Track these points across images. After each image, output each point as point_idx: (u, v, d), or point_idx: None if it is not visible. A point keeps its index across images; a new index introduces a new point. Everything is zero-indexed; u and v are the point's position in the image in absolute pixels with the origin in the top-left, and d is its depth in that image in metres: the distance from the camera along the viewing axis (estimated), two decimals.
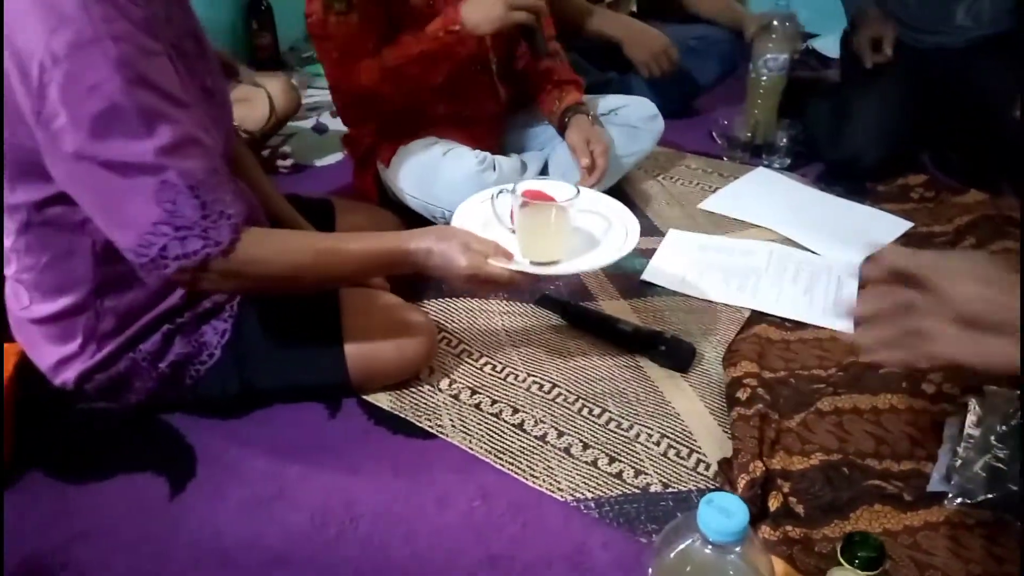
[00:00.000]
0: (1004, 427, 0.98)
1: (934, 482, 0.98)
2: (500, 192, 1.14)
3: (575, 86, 1.58)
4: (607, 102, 1.66)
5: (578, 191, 1.07)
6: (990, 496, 0.92)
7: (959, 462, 0.97)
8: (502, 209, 1.12)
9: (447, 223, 1.30)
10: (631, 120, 1.62)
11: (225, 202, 0.84)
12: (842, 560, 0.71)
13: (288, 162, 1.80)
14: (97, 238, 0.90)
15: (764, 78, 1.78)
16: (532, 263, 1.05)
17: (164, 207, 0.80)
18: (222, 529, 0.93)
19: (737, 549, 0.57)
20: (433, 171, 1.45)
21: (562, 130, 1.54)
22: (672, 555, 0.60)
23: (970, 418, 1.02)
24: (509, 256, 1.03)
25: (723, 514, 0.54)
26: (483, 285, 1.01)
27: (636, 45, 1.89)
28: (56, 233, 0.92)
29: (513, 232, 1.09)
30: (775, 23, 1.76)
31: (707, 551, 0.56)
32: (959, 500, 0.93)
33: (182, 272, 0.84)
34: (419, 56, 1.35)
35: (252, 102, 1.68)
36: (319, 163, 1.88)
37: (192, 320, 1.02)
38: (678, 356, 1.20)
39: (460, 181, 1.40)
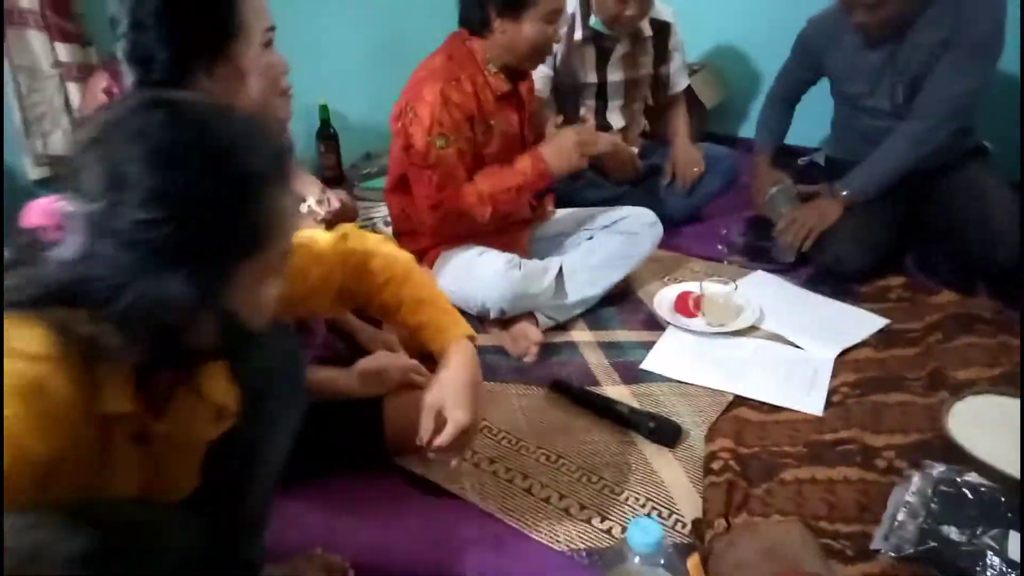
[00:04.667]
0: (935, 496, 1.17)
1: (876, 541, 1.15)
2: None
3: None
4: (612, 214, 1.94)
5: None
6: (916, 550, 1.09)
7: (897, 524, 1.15)
8: None
9: (481, 315, 1.69)
10: (632, 228, 1.90)
11: None
12: None
13: None
14: None
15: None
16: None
17: None
18: None
19: (662, 561, 0.78)
20: (468, 270, 1.71)
21: None
22: (614, 570, 0.81)
23: (911, 488, 1.21)
24: None
25: (644, 533, 0.76)
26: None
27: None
28: None
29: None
30: (779, 196, 2.07)
31: (636, 561, 0.78)
32: (890, 554, 1.11)
33: None
34: (511, 189, 1.68)
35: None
36: None
37: None
38: (666, 434, 1.41)
39: (490, 277, 1.67)
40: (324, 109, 2.66)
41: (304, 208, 1.80)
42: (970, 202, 1.90)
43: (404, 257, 1.15)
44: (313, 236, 1.09)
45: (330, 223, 2.05)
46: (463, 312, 1.71)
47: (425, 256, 1.79)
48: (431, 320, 1.11)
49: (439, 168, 1.63)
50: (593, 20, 2.10)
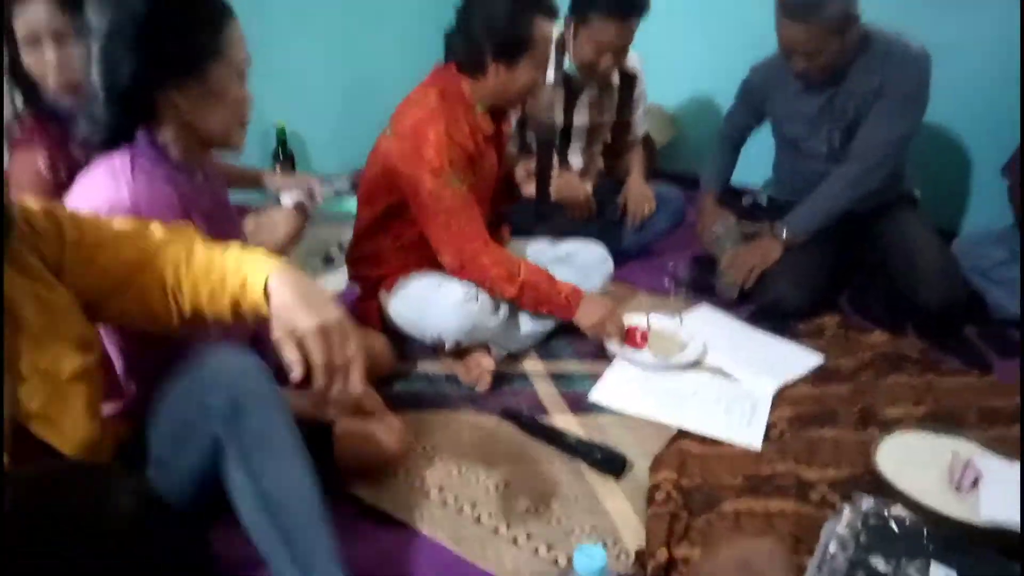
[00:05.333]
0: (864, 528, 1.23)
1: (809, 572, 1.21)
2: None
3: None
4: (565, 247, 1.99)
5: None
6: None
7: (829, 555, 1.21)
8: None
9: (436, 344, 1.68)
10: (584, 261, 1.95)
11: None
12: None
13: None
14: None
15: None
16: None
17: None
18: None
19: None
20: (427, 299, 1.72)
21: None
22: None
23: (842, 521, 1.27)
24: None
25: (589, 559, 0.79)
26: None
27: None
28: None
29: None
30: (723, 234, 2.18)
31: None
32: None
33: None
34: (543, 295, 1.72)
35: (268, 228, 1.98)
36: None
37: None
38: (612, 464, 1.45)
39: (448, 308, 1.68)
40: (282, 131, 2.66)
41: (288, 202, 1.77)
42: (900, 246, 2.02)
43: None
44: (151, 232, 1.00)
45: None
46: (417, 341, 1.76)
47: (383, 282, 1.80)
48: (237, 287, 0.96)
49: (456, 210, 1.63)
50: (567, 64, 2.15)
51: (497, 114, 1.75)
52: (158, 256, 0.97)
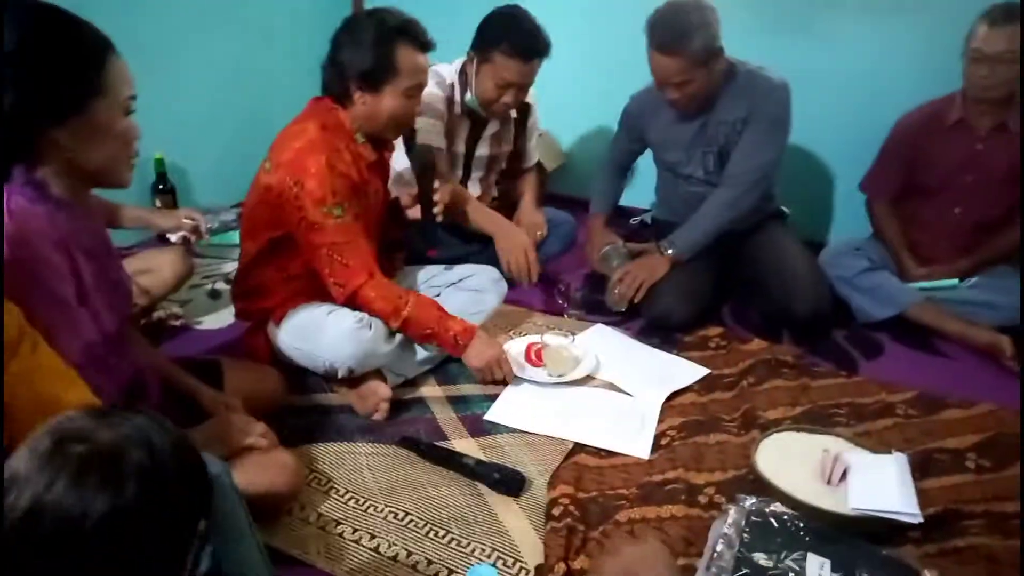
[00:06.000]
0: (747, 526, 1.29)
1: (699, 572, 1.26)
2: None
3: None
4: (459, 271, 2.01)
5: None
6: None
7: (716, 554, 1.26)
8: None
9: (328, 374, 1.66)
10: (478, 285, 1.98)
11: None
12: None
13: (179, 322, 2.03)
14: None
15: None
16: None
17: None
18: None
19: None
20: (318, 328, 1.68)
21: None
22: None
23: (727, 520, 1.33)
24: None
25: None
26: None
27: (505, 240, 2.15)
28: None
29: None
30: (611, 254, 2.26)
31: None
32: None
33: None
34: (428, 329, 1.70)
35: (156, 272, 1.91)
36: (210, 325, 2.11)
37: None
38: (510, 484, 1.47)
39: (340, 336, 1.65)
40: (160, 162, 2.55)
41: (176, 239, 1.83)
42: (772, 260, 2.16)
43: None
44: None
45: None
46: (309, 371, 1.72)
47: (272, 313, 1.76)
48: None
49: (340, 243, 1.61)
50: (469, 98, 2.16)
51: (378, 142, 1.76)
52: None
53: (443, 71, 2.16)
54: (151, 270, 1.92)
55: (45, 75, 1.00)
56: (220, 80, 2.79)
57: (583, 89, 2.97)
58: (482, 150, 2.29)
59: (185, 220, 2.01)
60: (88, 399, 1.00)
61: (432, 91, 2.10)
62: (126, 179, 1.16)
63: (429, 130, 2.13)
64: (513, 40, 2.00)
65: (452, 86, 2.17)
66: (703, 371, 1.91)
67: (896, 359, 2.04)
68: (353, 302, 1.67)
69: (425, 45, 1.67)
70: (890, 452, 1.47)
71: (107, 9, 1.08)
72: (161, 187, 2.59)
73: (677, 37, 1.93)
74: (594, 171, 2.54)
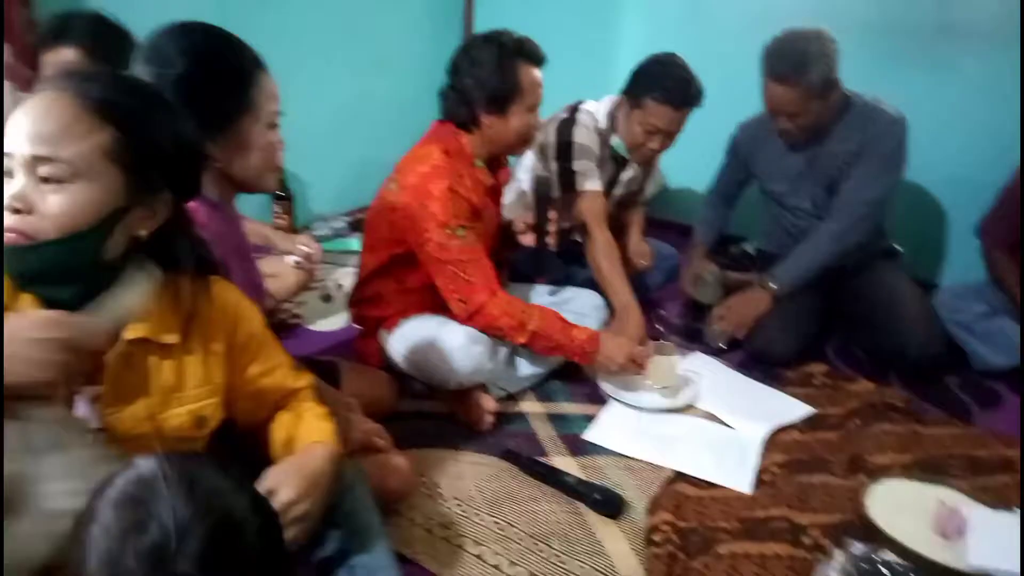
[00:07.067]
0: (855, 572, 1.27)
1: None
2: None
3: None
4: (563, 294, 2.05)
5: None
6: None
7: None
8: None
9: (436, 384, 1.73)
10: (580, 308, 2.00)
11: None
12: None
13: (299, 321, 2.16)
14: None
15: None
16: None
17: None
18: None
19: None
20: (429, 340, 1.73)
21: None
22: None
23: (834, 565, 1.30)
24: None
25: None
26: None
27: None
28: None
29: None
30: (710, 284, 2.28)
31: None
32: None
33: None
34: (554, 341, 1.73)
35: (281, 276, 2.03)
36: (322, 327, 2.22)
37: None
38: (610, 505, 1.48)
39: (452, 351, 1.69)
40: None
41: (291, 260, 1.92)
42: (882, 298, 2.10)
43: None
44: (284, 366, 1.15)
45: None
46: (416, 379, 1.79)
47: (384, 323, 1.83)
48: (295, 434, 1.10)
49: (464, 261, 1.66)
50: (616, 142, 2.18)
51: (493, 165, 1.82)
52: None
53: (594, 110, 2.18)
54: (276, 275, 2.04)
55: (204, 96, 1.10)
56: (338, 101, 2.93)
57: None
58: (618, 190, 2.31)
59: (300, 247, 2.12)
60: (309, 387, 1.18)
61: (588, 132, 2.14)
62: (271, 186, 1.26)
63: (586, 173, 2.15)
64: (666, 87, 2.01)
65: (600, 131, 2.18)
66: (809, 410, 1.87)
67: (1014, 411, 1.94)
68: (476, 319, 1.70)
69: (540, 60, 1.73)
70: (1011, 510, 1.41)
71: (243, 33, 1.18)
72: (280, 194, 2.74)
73: (795, 67, 1.92)
74: (693, 197, 2.53)
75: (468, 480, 1.57)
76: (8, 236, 0.83)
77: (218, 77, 1.11)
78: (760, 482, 1.60)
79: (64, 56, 1.57)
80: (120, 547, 0.68)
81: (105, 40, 1.63)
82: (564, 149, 2.15)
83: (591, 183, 2.14)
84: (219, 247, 1.19)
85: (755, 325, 2.10)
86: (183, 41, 1.12)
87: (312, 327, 2.22)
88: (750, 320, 2.10)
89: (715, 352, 2.16)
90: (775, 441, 1.74)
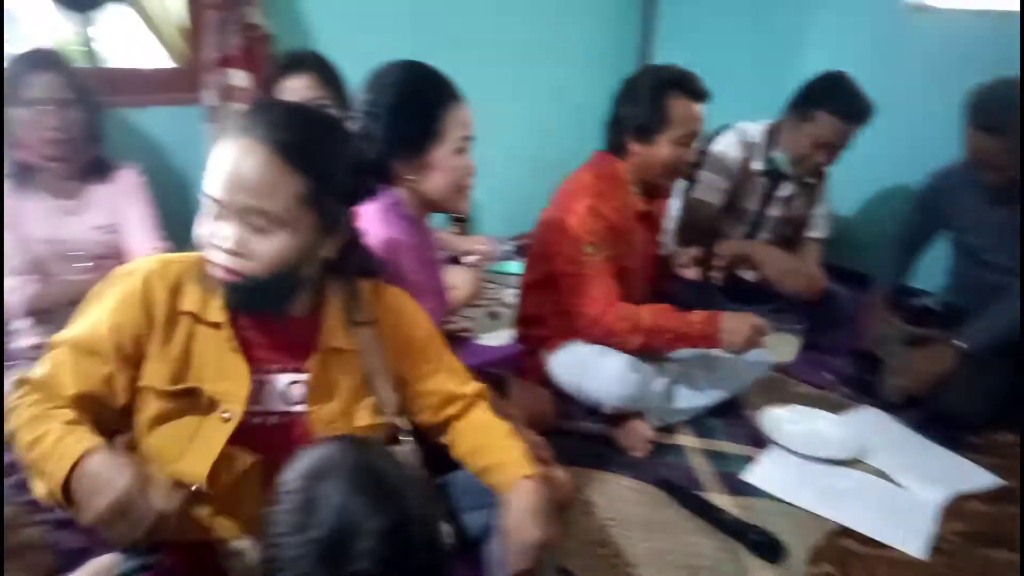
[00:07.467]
0: None
1: None
2: None
3: None
4: None
5: None
6: None
7: None
8: None
9: (594, 407, 1.75)
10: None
11: None
12: None
13: (469, 334, 2.29)
14: None
15: None
16: None
17: None
18: None
19: None
20: (589, 365, 1.76)
21: None
22: None
23: None
24: None
25: None
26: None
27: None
28: None
29: None
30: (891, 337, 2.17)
31: None
32: None
33: None
34: (672, 332, 1.72)
35: (455, 289, 2.18)
36: (487, 341, 2.33)
37: None
38: (768, 548, 1.45)
39: (610, 377, 1.72)
40: None
41: (470, 260, 2.15)
42: None
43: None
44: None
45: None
46: (574, 402, 1.83)
47: (546, 343, 1.90)
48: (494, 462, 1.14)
49: (588, 276, 1.72)
50: (779, 156, 2.19)
51: (651, 191, 1.86)
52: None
53: (749, 128, 2.23)
54: (452, 287, 2.18)
55: (400, 124, 1.26)
56: (514, 130, 3.08)
57: (863, 157, 2.85)
58: (773, 210, 2.29)
59: (478, 246, 2.27)
60: (482, 396, 1.23)
61: (726, 148, 2.18)
62: (462, 207, 1.38)
63: (709, 184, 2.20)
64: (839, 100, 2.04)
65: (752, 145, 2.21)
66: (995, 480, 1.74)
67: None
68: (594, 329, 1.72)
69: (699, 95, 1.75)
70: None
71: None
72: (456, 216, 2.92)
73: (1004, 117, 1.81)
74: (866, 244, 2.41)
75: (623, 503, 1.59)
76: (223, 272, 0.96)
77: (412, 108, 1.27)
78: (936, 550, 1.50)
79: (301, 83, 1.79)
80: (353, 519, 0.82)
81: (330, 70, 1.86)
82: (700, 158, 2.20)
83: (707, 195, 2.21)
84: (414, 258, 1.33)
85: (941, 385, 1.97)
86: (393, 75, 1.30)
87: (478, 340, 2.34)
88: (932, 378, 1.97)
89: (888, 408, 2.04)
90: (954, 509, 1.63)
